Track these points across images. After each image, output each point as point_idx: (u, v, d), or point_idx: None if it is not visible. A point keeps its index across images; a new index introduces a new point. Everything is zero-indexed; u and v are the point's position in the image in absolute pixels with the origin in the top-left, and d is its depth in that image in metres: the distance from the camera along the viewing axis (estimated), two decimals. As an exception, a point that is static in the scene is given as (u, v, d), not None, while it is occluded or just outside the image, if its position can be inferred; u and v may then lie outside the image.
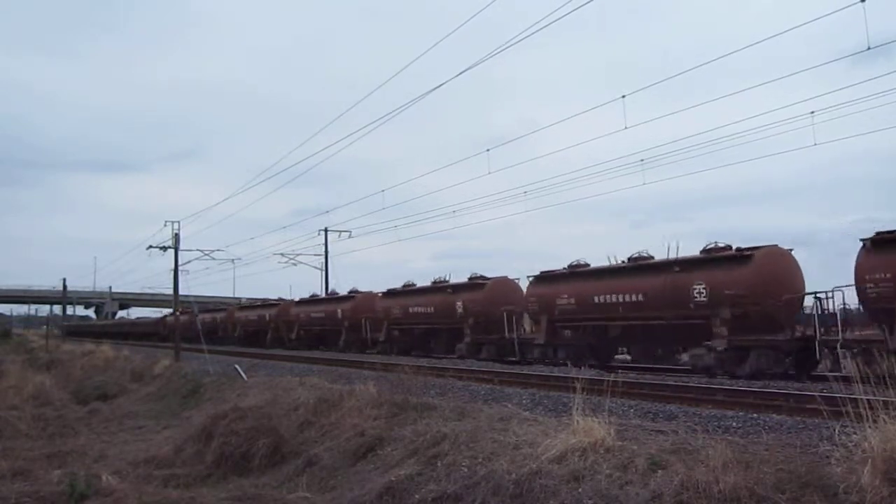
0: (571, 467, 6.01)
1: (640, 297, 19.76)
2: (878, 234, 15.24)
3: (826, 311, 16.40)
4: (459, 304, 27.56)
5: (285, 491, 8.52)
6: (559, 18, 14.19)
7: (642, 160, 21.77)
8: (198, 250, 37.00)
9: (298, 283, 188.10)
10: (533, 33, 15.01)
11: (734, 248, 18.54)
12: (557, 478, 5.93)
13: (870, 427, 5.01)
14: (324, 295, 41.82)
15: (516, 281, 27.33)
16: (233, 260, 43.80)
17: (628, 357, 24.04)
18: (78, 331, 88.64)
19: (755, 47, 58.54)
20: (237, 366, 20.62)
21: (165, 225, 31.01)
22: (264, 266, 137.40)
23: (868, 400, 5.19)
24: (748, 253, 17.90)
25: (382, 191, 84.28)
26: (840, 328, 15.62)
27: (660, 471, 5.52)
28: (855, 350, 14.82)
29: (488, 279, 27.58)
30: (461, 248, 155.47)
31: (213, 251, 37.57)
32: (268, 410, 11.71)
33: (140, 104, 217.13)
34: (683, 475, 5.22)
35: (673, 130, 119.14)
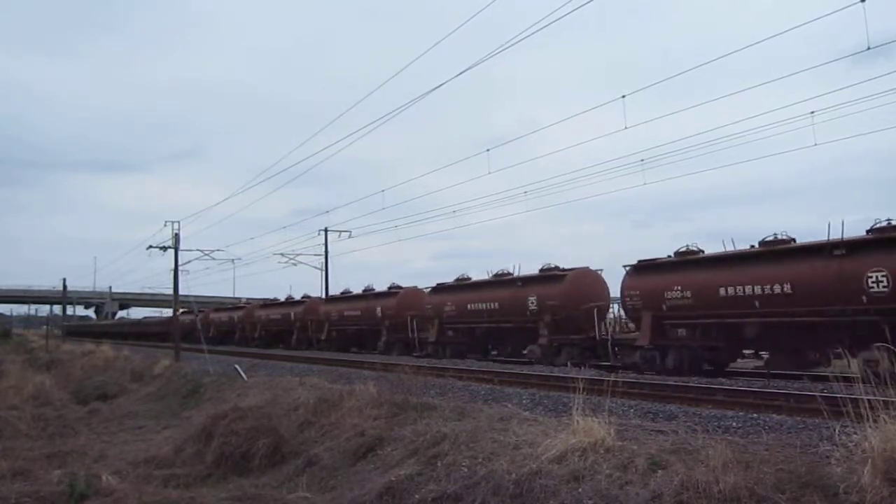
0: (571, 467, 6.01)
1: (788, 289, 16.14)
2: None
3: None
4: (533, 298, 23.64)
5: (285, 491, 8.52)
6: (559, 18, 14.20)
7: (642, 160, 21.91)
8: (198, 250, 36.92)
9: (298, 283, 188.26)
10: (533, 33, 15.02)
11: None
12: (557, 478, 5.93)
13: (870, 427, 5.01)
14: (358, 292, 37.24)
15: (599, 272, 24.11)
16: (233, 260, 43.90)
17: (759, 363, 19.16)
18: (79, 331, 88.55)
19: (755, 47, 58.58)
20: (237, 366, 20.65)
21: (165, 225, 31.07)
22: (264, 266, 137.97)
23: (868, 400, 5.19)
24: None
25: (382, 191, 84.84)
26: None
27: (660, 471, 5.53)
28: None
29: (566, 270, 23.84)
30: (461, 248, 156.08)
31: (213, 251, 37.40)
32: (268, 410, 11.71)
33: (140, 104, 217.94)
34: (683, 475, 5.22)
35: (673, 130, 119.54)
